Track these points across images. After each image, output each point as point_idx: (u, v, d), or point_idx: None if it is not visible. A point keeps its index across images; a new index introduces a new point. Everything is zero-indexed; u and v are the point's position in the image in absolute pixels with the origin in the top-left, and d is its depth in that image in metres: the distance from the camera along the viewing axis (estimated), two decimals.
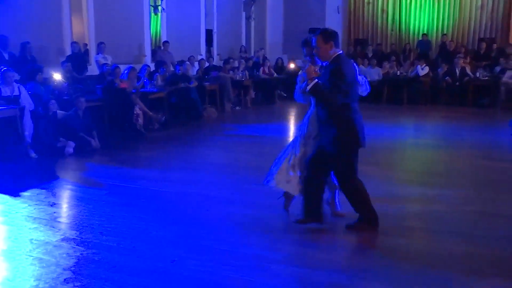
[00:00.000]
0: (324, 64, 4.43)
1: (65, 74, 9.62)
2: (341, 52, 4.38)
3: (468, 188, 6.02)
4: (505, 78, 12.85)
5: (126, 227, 4.68)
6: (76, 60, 10.43)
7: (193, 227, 4.69)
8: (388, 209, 5.14)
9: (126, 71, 9.95)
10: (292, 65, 15.84)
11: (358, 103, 4.50)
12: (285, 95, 15.07)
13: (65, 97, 8.91)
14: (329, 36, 4.32)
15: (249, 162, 7.46)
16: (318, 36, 4.34)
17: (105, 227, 4.68)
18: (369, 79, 13.99)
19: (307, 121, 4.68)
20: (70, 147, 7.90)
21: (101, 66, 10.56)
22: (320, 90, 4.20)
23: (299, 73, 4.72)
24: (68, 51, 10.64)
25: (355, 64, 4.69)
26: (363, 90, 4.85)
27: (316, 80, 4.21)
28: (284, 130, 10.74)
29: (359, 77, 4.71)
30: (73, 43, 10.57)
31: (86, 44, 11.65)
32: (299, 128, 4.83)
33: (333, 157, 4.42)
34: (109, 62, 10.86)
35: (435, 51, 16.26)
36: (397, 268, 3.90)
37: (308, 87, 4.22)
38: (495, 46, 15.13)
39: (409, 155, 8.30)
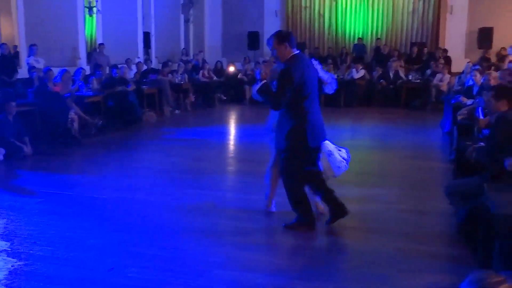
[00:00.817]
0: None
1: None
2: (297, 52, 4.46)
3: (401, 187, 6.25)
4: (435, 81, 13.44)
5: (60, 236, 4.53)
6: (5, 63, 9.97)
7: (131, 234, 4.60)
8: (324, 208, 5.24)
9: (59, 74, 9.65)
10: (231, 68, 15.87)
11: (317, 101, 4.58)
12: (224, 98, 15.08)
13: None
14: (283, 37, 4.42)
15: (188, 166, 7.41)
16: (273, 38, 4.42)
17: (38, 236, 4.51)
18: None
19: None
20: (0, 153, 7.56)
21: (32, 69, 10.18)
22: (265, 90, 4.33)
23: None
24: None
25: (317, 62, 4.81)
26: (329, 89, 4.98)
27: (265, 81, 4.35)
28: (224, 133, 10.74)
29: (325, 75, 4.87)
30: (2, 45, 10.11)
31: (16, 46, 11.19)
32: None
33: (283, 152, 4.52)
34: (41, 65, 10.49)
35: (370, 54, 16.75)
36: (335, 267, 4.00)
37: (256, 87, 4.38)
38: (426, 50, 15.78)
39: None
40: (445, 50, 15.24)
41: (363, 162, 7.79)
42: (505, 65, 10.80)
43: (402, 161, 7.84)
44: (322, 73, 4.84)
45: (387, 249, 4.28)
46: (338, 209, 4.72)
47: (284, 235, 4.66)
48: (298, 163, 4.53)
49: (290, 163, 4.53)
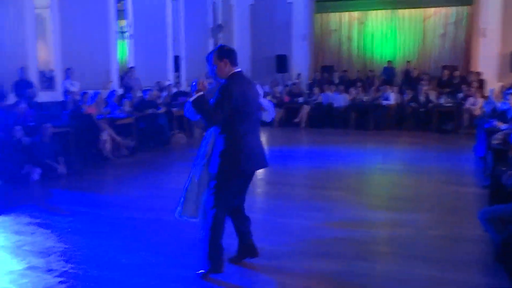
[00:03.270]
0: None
1: (30, 100, 9.46)
2: (238, 70, 4.09)
3: (433, 213, 6.12)
4: (467, 105, 13.25)
5: (93, 255, 4.59)
6: (23, 86, 9.97)
7: (161, 255, 4.63)
8: (354, 233, 5.19)
9: (92, 97, 9.89)
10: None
11: (257, 126, 4.22)
12: None
13: (30, 123, 8.75)
14: (224, 53, 4.06)
15: None
16: (214, 54, 4.09)
17: (72, 254, 4.57)
18: (336, 105, 14.48)
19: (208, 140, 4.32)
20: (36, 173, 7.74)
21: (68, 92, 10.44)
22: (201, 102, 3.85)
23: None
24: (34, 78, 10.47)
25: (257, 86, 4.36)
26: (267, 116, 4.48)
27: (202, 93, 3.87)
28: None
29: (263, 101, 4.41)
30: (21, 69, 10.05)
31: (52, 70, 11.52)
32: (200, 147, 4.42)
33: (214, 179, 4.08)
34: (76, 88, 10.75)
35: (400, 77, 16.66)
36: None
37: (192, 98, 3.90)
38: (457, 73, 15.61)
39: (375, 180, 8.42)
40: (479, 73, 15.05)
41: (395, 187, 7.70)
42: None
43: (435, 186, 7.70)
44: (262, 99, 4.39)
45: (420, 276, 4.19)
46: (249, 248, 4.41)
47: (314, 259, 4.61)
48: (228, 191, 4.07)
49: (221, 191, 4.05)
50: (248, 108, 4.03)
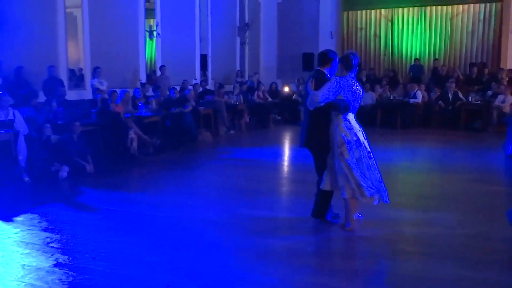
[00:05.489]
0: None
1: (60, 98, 9.63)
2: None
3: (462, 212, 6.03)
4: (496, 102, 12.98)
5: (119, 252, 4.65)
6: (52, 84, 10.09)
7: (188, 252, 4.66)
8: (382, 232, 5.14)
9: (120, 95, 10.01)
10: (286, 89, 15.94)
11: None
12: (279, 118, 15.14)
13: (60, 121, 8.91)
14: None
15: (244, 186, 7.45)
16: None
17: (98, 252, 4.64)
18: (363, 104, 14.28)
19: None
20: (64, 171, 7.88)
21: (97, 91, 10.59)
22: None
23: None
24: (64, 76, 10.66)
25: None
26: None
27: None
28: (278, 154, 10.75)
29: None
30: (50, 67, 10.23)
31: (81, 69, 11.71)
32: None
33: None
34: (105, 86, 10.89)
35: (428, 75, 16.42)
36: None
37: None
38: (486, 70, 15.31)
39: (403, 179, 8.31)
40: (510, 71, 14.71)
41: (423, 185, 7.61)
42: None
43: (463, 185, 7.57)
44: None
45: (450, 276, 4.12)
46: None
47: (339, 258, 4.59)
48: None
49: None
50: None
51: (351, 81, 5.06)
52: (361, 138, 5.09)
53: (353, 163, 4.99)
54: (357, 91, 5.09)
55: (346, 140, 5.00)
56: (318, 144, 5.21)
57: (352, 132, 5.04)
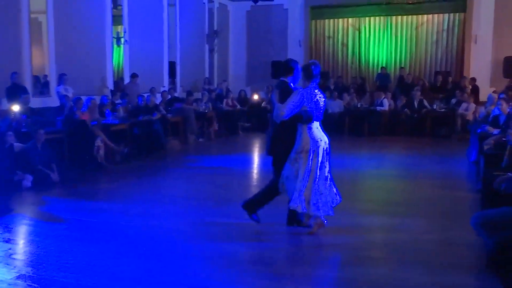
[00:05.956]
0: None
1: (23, 105, 9.41)
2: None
3: (428, 217, 6.14)
4: (460, 110, 13.31)
5: (85, 263, 4.55)
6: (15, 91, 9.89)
7: (156, 262, 4.60)
8: (348, 239, 5.20)
9: (86, 103, 9.85)
10: (255, 97, 15.98)
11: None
12: (248, 125, 15.17)
13: (23, 129, 8.71)
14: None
15: (212, 194, 7.43)
16: None
17: (63, 263, 4.54)
18: (330, 111, 14.50)
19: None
20: (28, 180, 7.70)
21: (62, 98, 10.39)
22: None
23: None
24: (28, 83, 10.42)
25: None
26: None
27: None
28: (247, 161, 10.75)
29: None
30: (13, 74, 10.01)
31: (46, 76, 11.48)
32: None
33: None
34: (70, 93, 10.70)
35: (394, 83, 16.71)
36: None
37: None
38: (450, 79, 15.69)
39: (370, 185, 8.43)
40: (473, 79, 15.12)
41: (389, 192, 7.72)
42: None
43: (428, 191, 7.71)
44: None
45: (417, 281, 4.18)
46: None
47: (307, 265, 4.60)
48: None
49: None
50: None
51: (314, 90, 5.20)
52: (321, 149, 5.17)
53: (308, 172, 5.09)
54: (320, 100, 5.22)
55: (306, 149, 5.11)
56: (281, 152, 5.29)
57: (314, 141, 5.14)
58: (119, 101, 11.89)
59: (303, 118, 5.12)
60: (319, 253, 4.90)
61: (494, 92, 12.02)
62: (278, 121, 5.16)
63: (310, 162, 5.09)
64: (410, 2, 16.76)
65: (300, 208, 5.11)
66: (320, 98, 5.24)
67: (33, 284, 4.08)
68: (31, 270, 4.38)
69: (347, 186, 8.05)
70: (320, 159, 5.14)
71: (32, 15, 10.73)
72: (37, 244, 5.13)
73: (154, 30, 14.42)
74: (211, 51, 17.39)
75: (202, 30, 16.89)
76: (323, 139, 5.22)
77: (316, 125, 5.23)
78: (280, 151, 5.30)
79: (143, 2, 13.80)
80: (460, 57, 16.63)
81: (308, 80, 5.21)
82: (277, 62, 17.04)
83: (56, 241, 5.17)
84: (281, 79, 5.38)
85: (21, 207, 6.77)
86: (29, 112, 9.42)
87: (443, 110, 13.86)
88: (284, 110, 5.03)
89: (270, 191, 5.47)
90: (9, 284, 4.07)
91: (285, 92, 5.17)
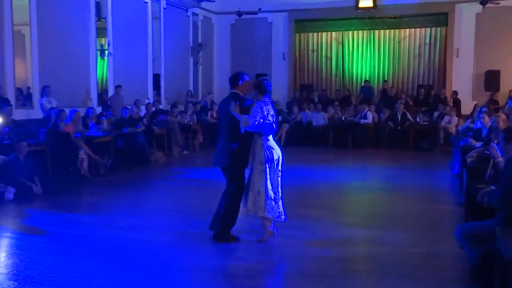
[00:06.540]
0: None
1: (6, 117, 9.31)
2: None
3: (410, 230, 6.17)
4: (443, 123, 13.48)
5: (68, 277, 4.49)
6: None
7: (139, 275, 4.56)
8: (332, 252, 5.21)
9: (69, 115, 9.78)
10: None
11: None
12: None
13: (5, 141, 8.61)
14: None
15: (196, 206, 7.40)
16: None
17: (45, 277, 4.48)
18: (315, 124, 14.59)
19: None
20: (10, 192, 7.60)
21: (48, 110, 10.30)
22: None
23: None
24: (11, 95, 10.33)
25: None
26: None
27: None
28: None
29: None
30: None
31: (29, 87, 11.38)
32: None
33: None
34: (54, 105, 10.62)
35: (377, 96, 16.88)
36: None
37: None
38: (433, 92, 15.91)
39: (353, 198, 8.46)
40: (455, 92, 15.36)
41: (373, 205, 7.75)
42: None
43: (412, 204, 7.77)
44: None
45: None
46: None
47: (291, 277, 4.60)
48: None
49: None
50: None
51: (268, 105, 5.46)
52: (280, 159, 5.52)
53: (267, 181, 5.40)
54: (273, 114, 5.50)
55: (270, 159, 5.39)
56: (238, 163, 5.53)
57: (274, 152, 5.45)
58: (102, 112, 11.83)
59: (266, 129, 5.38)
60: (305, 266, 4.89)
61: (476, 105, 12.21)
62: (242, 132, 5.34)
63: (272, 171, 5.40)
64: (393, 16, 17.02)
65: (279, 218, 5.41)
66: (273, 111, 5.55)
67: None
68: (13, 284, 4.31)
69: (331, 199, 8.11)
70: (280, 168, 5.49)
71: (15, 27, 10.66)
72: (18, 257, 5.06)
73: (138, 43, 14.41)
74: (195, 63, 17.42)
75: (187, 42, 16.93)
76: (275, 149, 5.51)
77: (271, 137, 5.51)
78: (240, 163, 5.53)
79: (127, 14, 13.79)
80: (442, 71, 16.90)
81: (262, 94, 5.46)
82: (261, 75, 17.17)
83: (39, 254, 5.10)
84: (232, 91, 5.59)
85: (3, 219, 6.67)
86: (12, 124, 9.31)
87: (426, 123, 14.03)
88: (250, 122, 5.26)
89: (234, 205, 5.58)
90: None
91: (241, 103, 5.42)
